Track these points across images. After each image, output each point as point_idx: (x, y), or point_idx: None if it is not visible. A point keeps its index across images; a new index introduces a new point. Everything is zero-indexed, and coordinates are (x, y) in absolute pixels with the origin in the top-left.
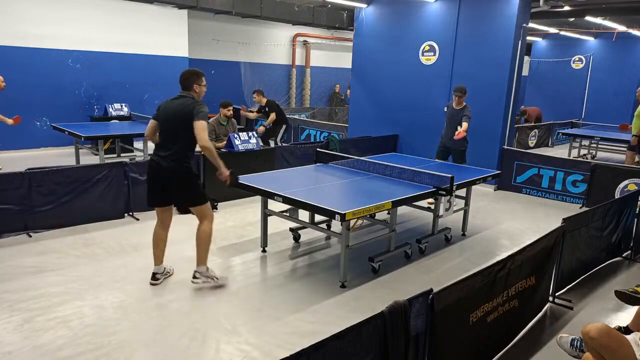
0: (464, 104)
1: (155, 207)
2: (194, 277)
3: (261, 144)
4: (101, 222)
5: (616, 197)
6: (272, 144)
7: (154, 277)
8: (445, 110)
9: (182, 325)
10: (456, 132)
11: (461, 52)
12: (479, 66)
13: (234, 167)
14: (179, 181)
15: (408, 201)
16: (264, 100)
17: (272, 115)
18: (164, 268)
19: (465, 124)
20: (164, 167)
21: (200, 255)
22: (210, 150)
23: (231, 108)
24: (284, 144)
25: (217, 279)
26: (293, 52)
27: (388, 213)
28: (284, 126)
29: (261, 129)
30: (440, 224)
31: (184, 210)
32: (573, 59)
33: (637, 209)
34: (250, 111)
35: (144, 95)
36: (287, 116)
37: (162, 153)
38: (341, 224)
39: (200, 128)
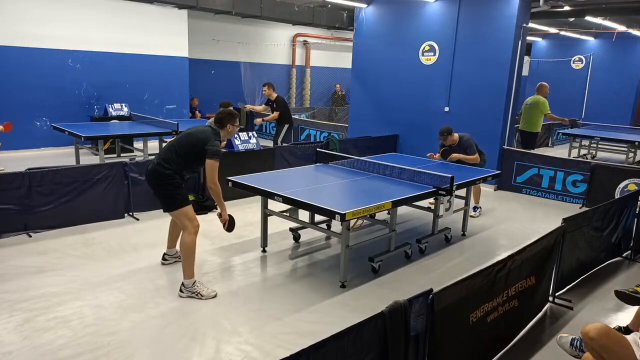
0: (457, 137)
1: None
2: (180, 290)
3: (261, 145)
4: (101, 222)
5: (616, 197)
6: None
7: (163, 257)
8: (443, 148)
9: (182, 325)
10: (452, 156)
11: (461, 52)
12: (479, 66)
13: (234, 167)
14: (158, 183)
15: (408, 201)
16: (274, 95)
17: (275, 114)
18: (176, 251)
19: (473, 156)
20: (149, 169)
21: (184, 268)
22: (216, 191)
23: (231, 108)
24: (284, 144)
25: (202, 295)
26: (293, 52)
27: (388, 213)
28: (287, 126)
29: (258, 120)
30: (440, 224)
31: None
32: (573, 59)
33: (637, 209)
34: (253, 107)
35: (144, 95)
36: (291, 118)
37: (155, 159)
38: (341, 224)
39: (210, 168)
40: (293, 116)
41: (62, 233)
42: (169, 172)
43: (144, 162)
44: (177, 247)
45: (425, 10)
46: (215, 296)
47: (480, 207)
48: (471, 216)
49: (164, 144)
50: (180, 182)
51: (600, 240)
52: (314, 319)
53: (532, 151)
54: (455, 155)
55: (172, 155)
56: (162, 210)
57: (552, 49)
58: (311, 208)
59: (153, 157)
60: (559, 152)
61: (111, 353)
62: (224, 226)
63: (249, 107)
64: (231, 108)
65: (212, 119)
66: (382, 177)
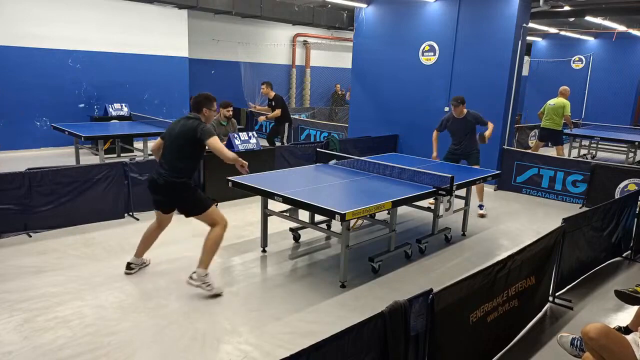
0: (465, 111)
1: (159, 211)
2: (191, 277)
3: (261, 145)
4: (101, 222)
5: (616, 197)
6: (277, 144)
7: (129, 266)
8: (447, 122)
9: (182, 325)
10: (482, 137)
11: (461, 52)
12: (479, 66)
13: (234, 167)
14: (177, 195)
15: (408, 201)
16: (272, 94)
17: (277, 112)
18: (143, 261)
19: (490, 125)
20: (160, 183)
21: (203, 258)
22: (232, 157)
23: (231, 108)
24: (283, 143)
25: (212, 287)
26: (293, 52)
27: (388, 213)
28: (287, 124)
29: (261, 118)
30: (440, 224)
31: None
32: (573, 59)
33: (637, 209)
34: (260, 108)
35: (144, 95)
36: (290, 118)
37: (161, 170)
38: (341, 224)
39: (215, 146)
40: (293, 116)
41: (62, 233)
42: (183, 179)
43: (144, 162)
44: (144, 256)
45: (425, 10)
46: (221, 294)
47: (484, 206)
48: (480, 215)
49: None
50: (193, 184)
51: (600, 240)
52: (314, 319)
53: (531, 151)
54: (488, 134)
55: (177, 163)
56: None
57: (552, 49)
58: (311, 208)
59: (149, 174)
60: None
61: (111, 353)
62: (243, 170)
63: (258, 107)
64: (231, 107)
65: (216, 116)
66: (382, 177)
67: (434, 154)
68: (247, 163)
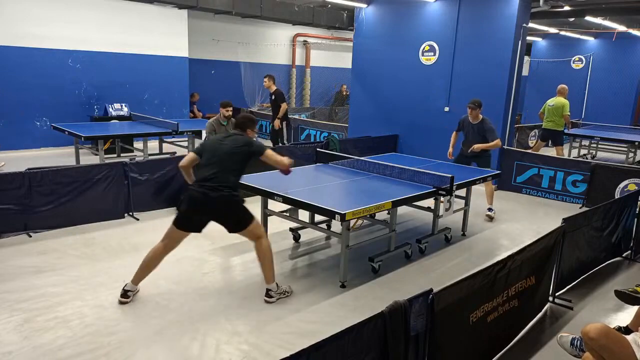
0: (481, 117)
1: (181, 230)
2: (268, 295)
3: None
4: (101, 222)
5: (616, 197)
6: (279, 144)
7: (126, 294)
8: (462, 123)
9: (182, 325)
10: (475, 147)
11: (461, 52)
12: (479, 66)
13: None
14: (230, 209)
15: (408, 201)
16: (273, 88)
17: (284, 106)
18: (137, 288)
19: (495, 142)
20: (214, 197)
21: (267, 273)
22: (288, 164)
23: (230, 108)
24: (284, 143)
25: (288, 292)
26: (293, 52)
27: (388, 213)
28: (284, 122)
29: (277, 123)
30: (440, 224)
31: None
32: (573, 59)
33: (637, 209)
34: (278, 118)
35: (144, 95)
36: (287, 116)
37: (212, 184)
38: (341, 224)
39: (271, 159)
40: (293, 116)
41: (62, 233)
42: (237, 192)
43: (144, 162)
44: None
45: (425, 10)
46: (292, 291)
47: (494, 210)
48: (488, 216)
49: (163, 144)
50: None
51: (600, 240)
52: (314, 319)
53: (531, 151)
54: (477, 146)
55: (232, 178)
56: (230, 229)
57: (552, 49)
58: (311, 208)
59: (194, 186)
60: None
61: (111, 353)
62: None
63: (264, 105)
64: (231, 107)
65: (216, 116)
66: (382, 177)
67: (450, 150)
68: (292, 161)
